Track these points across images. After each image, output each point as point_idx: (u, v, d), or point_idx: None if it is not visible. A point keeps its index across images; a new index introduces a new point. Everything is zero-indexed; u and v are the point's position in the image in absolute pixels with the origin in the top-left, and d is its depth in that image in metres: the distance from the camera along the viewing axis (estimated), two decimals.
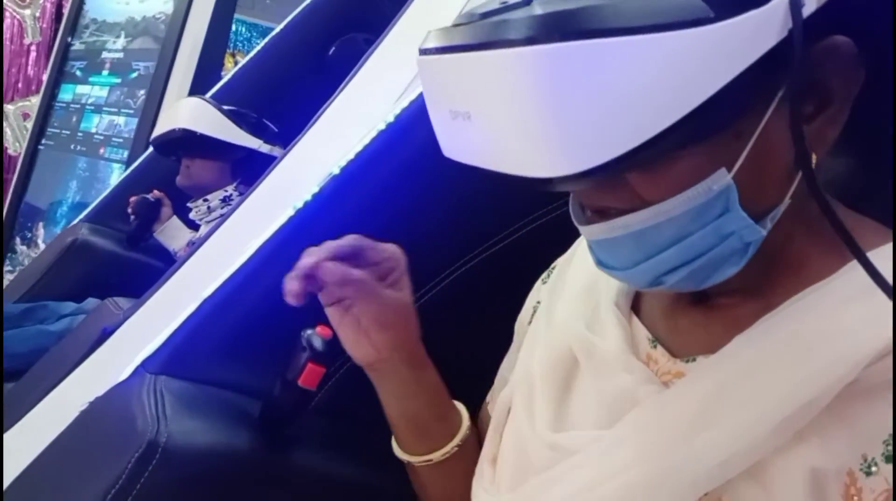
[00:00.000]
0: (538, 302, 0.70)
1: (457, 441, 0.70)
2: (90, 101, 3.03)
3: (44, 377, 0.95)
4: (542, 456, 0.56)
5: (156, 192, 1.94)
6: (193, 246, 1.03)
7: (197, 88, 2.33)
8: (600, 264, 0.51)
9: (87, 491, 0.68)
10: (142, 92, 2.69)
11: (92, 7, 3.19)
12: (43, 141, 3.16)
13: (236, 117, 1.82)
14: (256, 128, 1.86)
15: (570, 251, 0.70)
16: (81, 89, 3.11)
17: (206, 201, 1.85)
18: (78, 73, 3.16)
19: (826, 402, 0.44)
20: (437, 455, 0.69)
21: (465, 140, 0.45)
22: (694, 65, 0.38)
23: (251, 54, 2.16)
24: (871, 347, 0.43)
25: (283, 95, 2.10)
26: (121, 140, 2.78)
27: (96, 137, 2.92)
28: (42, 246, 2.84)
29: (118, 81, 2.90)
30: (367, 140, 0.92)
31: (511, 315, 0.76)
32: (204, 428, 0.72)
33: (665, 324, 0.56)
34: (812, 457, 0.44)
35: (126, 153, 2.64)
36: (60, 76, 3.19)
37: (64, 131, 3.10)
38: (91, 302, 1.67)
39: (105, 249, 1.85)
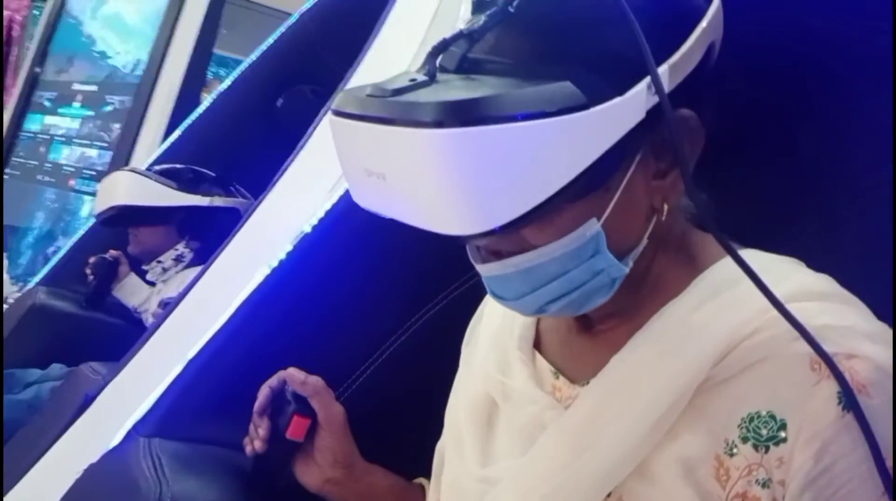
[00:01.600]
0: (469, 338, 0.77)
1: None
2: (59, 132, 2.99)
3: (31, 446, 0.97)
4: (474, 490, 0.63)
5: (112, 251, 1.95)
6: (167, 307, 1.07)
7: (176, 121, 2.34)
8: (494, 295, 0.58)
9: None
10: (117, 125, 2.68)
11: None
12: (7, 170, 3.10)
13: (171, 178, 1.87)
14: (193, 182, 1.90)
15: (479, 309, 0.77)
16: (50, 120, 3.06)
17: (159, 262, 1.89)
18: (46, 103, 3.12)
19: (686, 400, 0.52)
20: None
21: (381, 196, 0.51)
22: (573, 143, 0.46)
23: (201, 108, 2.19)
24: (715, 347, 0.51)
25: (235, 147, 2.14)
26: (93, 173, 2.76)
27: (66, 168, 2.89)
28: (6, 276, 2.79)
29: (91, 113, 2.87)
30: (334, 198, 0.97)
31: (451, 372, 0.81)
32: (202, 487, 0.75)
33: (562, 354, 0.64)
34: (683, 450, 0.51)
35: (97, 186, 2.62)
36: (27, 106, 3.14)
37: (30, 161, 3.05)
38: (56, 368, 1.67)
39: (64, 311, 1.85)
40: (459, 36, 0.51)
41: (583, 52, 0.49)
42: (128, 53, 2.86)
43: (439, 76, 0.49)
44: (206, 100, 2.21)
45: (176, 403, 0.87)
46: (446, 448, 0.71)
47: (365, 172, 0.50)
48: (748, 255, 0.53)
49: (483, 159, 0.45)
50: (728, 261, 0.52)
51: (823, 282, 0.55)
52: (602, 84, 0.47)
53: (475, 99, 0.44)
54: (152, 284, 1.94)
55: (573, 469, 0.54)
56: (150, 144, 2.38)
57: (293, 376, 0.78)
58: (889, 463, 0.46)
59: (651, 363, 0.54)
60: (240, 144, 2.14)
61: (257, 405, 0.78)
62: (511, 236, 0.52)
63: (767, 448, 0.49)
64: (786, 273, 0.55)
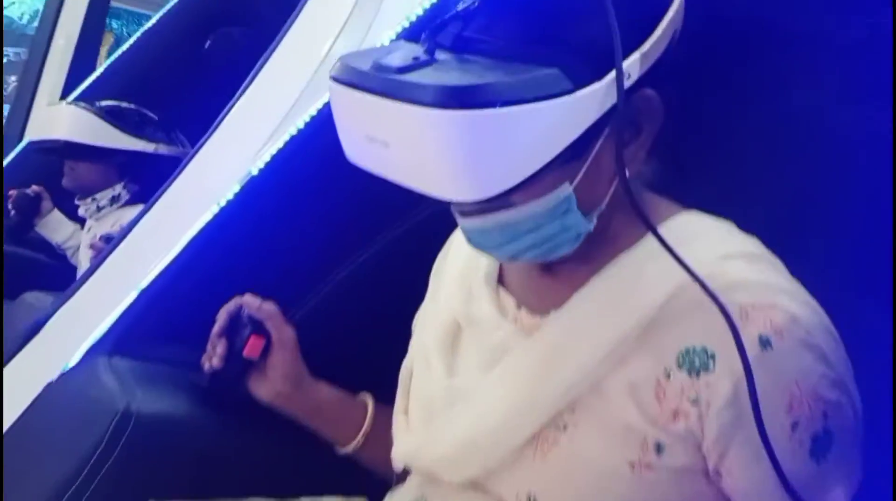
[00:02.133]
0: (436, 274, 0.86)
1: (364, 431, 0.90)
2: None
3: None
4: (441, 397, 0.73)
5: (34, 187, 1.95)
6: (116, 239, 1.11)
7: (74, 75, 2.29)
8: (472, 243, 0.66)
9: (62, 465, 0.77)
10: (13, 78, 2.59)
11: None
12: None
13: (118, 119, 1.86)
14: (139, 126, 1.90)
15: (446, 246, 0.85)
16: None
17: (94, 199, 1.89)
18: None
19: (637, 335, 0.62)
20: (354, 445, 0.90)
21: (382, 161, 0.57)
22: (559, 123, 0.54)
23: (125, 46, 2.17)
24: (663, 293, 0.62)
25: (159, 87, 2.13)
26: None
27: None
28: None
29: None
30: (280, 144, 1.04)
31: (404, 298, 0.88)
32: (165, 398, 0.83)
33: (524, 290, 0.74)
34: (631, 374, 0.62)
35: None
36: None
37: None
38: None
39: None
40: (456, 17, 0.58)
41: (567, 39, 0.56)
42: (23, 3, 2.75)
43: (437, 54, 0.57)
44: (131, 38, 2.19)
45: (132, 327, 0.93)
46: (414, 367, 0.81)
47: (366, 138, 0.57)
48: (689, 216, 0.68)
49: (480, 138, 0.52)
50: (675, 220, 0.66)
51: (752, 244, 0.66)
52: (584, 69, 0.54)
53: (476, 85, 0.52)
54: (82, 220, 1.94)
55: (537, 386, 0.65)
56: (49, 95, 2.31)
57: (250, 301, 0.87)
58: (776, 418, 0.57)
59: (609, 302, 0.65)
60: (166, 83, 2.14)
61: (217, 326, 0.86)
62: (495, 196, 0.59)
63: (699, 374, 0.60)
64: (721, 235, 0.66)
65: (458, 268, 0.79)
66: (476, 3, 0.59)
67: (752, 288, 0.60)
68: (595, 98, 0.55)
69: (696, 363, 0.60)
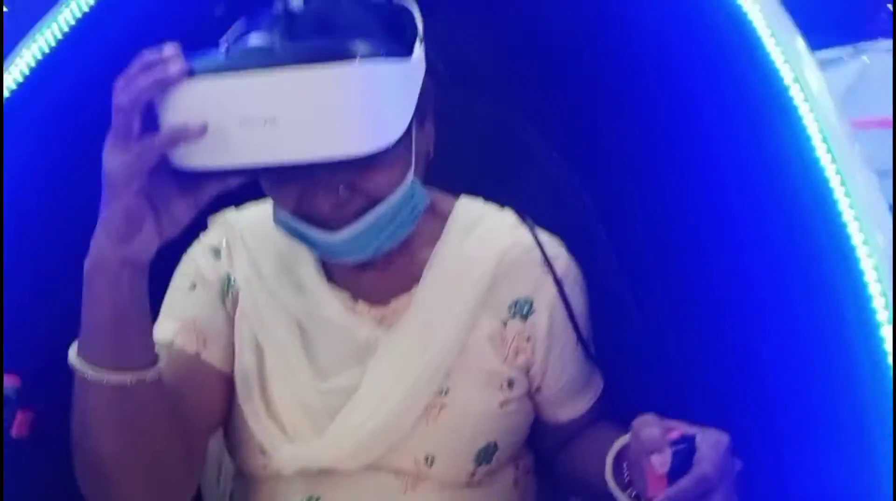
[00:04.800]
0: (230, 278, 0.79)
1: (157, 369, 0.64)
2: None
3: None
4: (319, 401, 0.74)
5: None
6: None
7: None
8: (338, 256, 0.70)
9: None
10: None
11: None
12: None
13: None
14: None
15: (233, 238, 0.80)
16: None
17: None
18: None
19: (483, 300, 0.76)
20: (136, 376, 0.61)
21: (265, 141, 0.57)
22: (412, 79, 0.64)
23: None
24: (491, 263, 0.76)
25: None
26: None
27: None
28: None
29: None
30: None
31: None
32: None
33: (354, 284, 0.77)
34: (483, 330, 0.76)
35: None
36: None
37: None
38: None
39: None
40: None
41: (372, 31, 0.64)
42: None
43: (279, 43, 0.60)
44: None
45: None
46: (269, 366, 0.76)
47: (241, 122, 0.56)
48: (463, 201, 0.81)
49: (377, 85, 0.58)
50: (460, 204, 0.81)
51: (513, 214, 0.82)
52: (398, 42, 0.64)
53: (359, 42, 0.57)
54: None
55: (418, 367, 0.73)
56: None
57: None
58: (579, 322, 0.78)
59: (451, 282, 0.75)
60: None
61: None
62: (357, 195, 0.65)
63: (526, 319, 0.77)
64: (495, 212, 0.81)
65: (275, 262, 0.78)
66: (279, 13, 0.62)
67: (545, 245, 0.78)
68: (419, 64, 0.65)
69: (523, 310, 0.77)
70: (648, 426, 0.59)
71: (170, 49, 0.57)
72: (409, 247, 0.75)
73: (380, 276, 0.75)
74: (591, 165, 0.91)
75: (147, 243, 0.59)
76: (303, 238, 0.69)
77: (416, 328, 0.74)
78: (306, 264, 0.77)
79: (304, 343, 0.76)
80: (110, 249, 0.58)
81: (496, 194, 0.83)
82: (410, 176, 0.67)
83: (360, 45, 0.57)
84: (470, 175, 0.88)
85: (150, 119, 0.57)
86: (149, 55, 0.56)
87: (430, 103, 0.71)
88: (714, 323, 0.75)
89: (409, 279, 0.76)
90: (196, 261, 0.79)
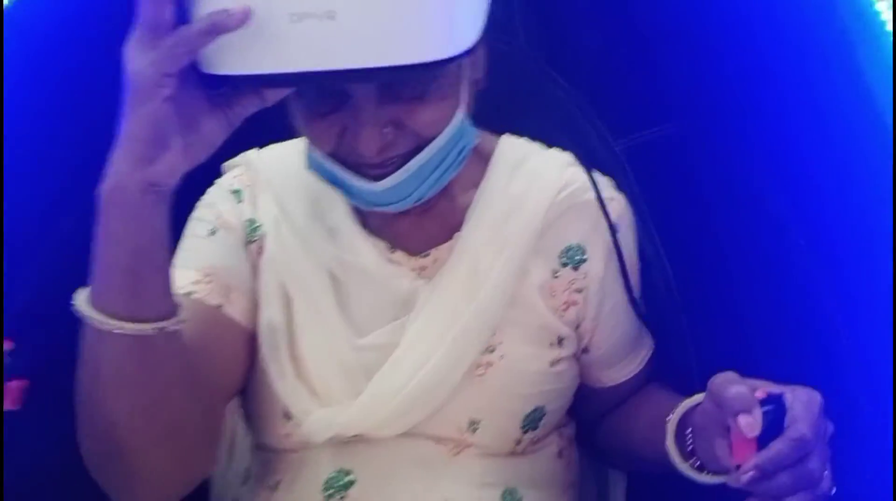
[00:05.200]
0: (253, 222, 0.70)
1: (184, 314, 0.55)
2: None
3: None
4: (355, 359, 0.66)
5: None
6: None
7: None
8: (380, 204, 0.63)
9: None
10: None
11: None
12: None
13: None
14: None
15: (256, 179, 0.72)
16: None
17: None
18: None
19: (533, 247, 0.68)
20: (157, 327, 0.52)
21: (320, 40, 0.46)
22: None
23: None
24: (541, 205, 0.69)
25: None
26: None
27: None
28: None
29: None
30: None
31: None
32: None
33: (391, 232, 0.70)
34: (533, 279, 0.69)
35: None
36: None
37: None
38: None
39: None
40: None
41: None
42: None
43: None
44: None
45: None
46: (297, 322, 0.68)
47: (293, 17, 0.46)
48: (507, 139, 0.74)
49: None
50: (503, 142, 0.73)
51: (567, 154, 0.74)
52: None
53: None
54: None
55: (462, 321, 0.66)
56: None
57: None
58: (631, 271, 0.72)
59: (498, 226, 0.68)
60: None
61: None
62: (402, 136, 0.59)
63: (578, 267, 0.70)
64: (542, 150, 0.74)
65: (304, 207, 0.71)
66: None
67: (599, 185, 0.71)
68: None
69: (575, 257, 0.70)
70: (733, 384, 0.51)
71: None
72: (450, 191, 0.68)
73: (419, 223, 0.69)
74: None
75: (174, 164, 0.48)
76: (340, 185, 0.63)
77: (459, 277, 0.67)
78: (339, 210, 0.70)
79: (337, 295, 0.68)
80: (130, 171, 0.47)
81: None
82: (461, 113, 0.61)
83: None
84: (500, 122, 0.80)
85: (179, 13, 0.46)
86: None
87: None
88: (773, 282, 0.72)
89: (450, 226, 0.69)
90: (215, 204, 0.71)
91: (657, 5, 0.82)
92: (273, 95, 0.51)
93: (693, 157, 0.82)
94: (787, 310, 0.71)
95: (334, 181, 0.63)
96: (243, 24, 0.45)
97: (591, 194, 0.70)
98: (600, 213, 0.70)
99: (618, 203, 0.72)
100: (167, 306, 0.53)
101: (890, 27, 0.65)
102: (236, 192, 0.72)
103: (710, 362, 0.70)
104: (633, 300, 0.72)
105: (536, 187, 0.69)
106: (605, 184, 0.73)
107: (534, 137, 0.75)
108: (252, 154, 0.73)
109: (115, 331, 0.51)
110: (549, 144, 0.75)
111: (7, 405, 0.64)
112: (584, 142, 0.85)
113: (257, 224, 0.70)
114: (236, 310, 0.66)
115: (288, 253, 0.69)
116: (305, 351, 0.67)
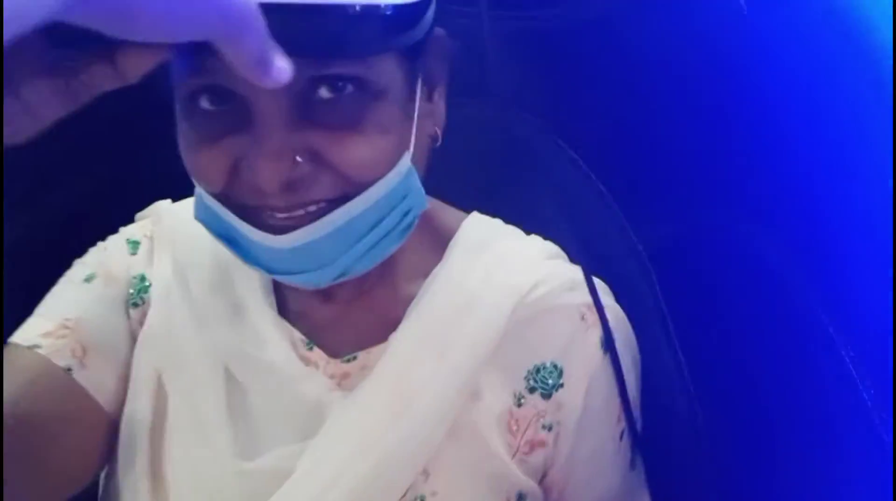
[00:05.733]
0: (143, 280, 0.57)
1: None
2: None
3: None
4: (241, 486, 0.51)
5: None
6: None
7: None
8: (282, 272, 0.47)
9: None
10: None
11: None
12: None
13: None
14: None
15: (160, 232, 0.59)
16: None
17: None
18: None
19: (488, 357, 0.51)
20: None
21: None
22: None
23: None
24: (505, 303, 0.52)
25: None
26: None
27: None
28: None
29: None
30: None
31: None
32: None
33: (310, 322, 0.54)
34: (487, 407, 0.52)
35: None
36: None
37: None
38: None
39: None
40: None
41: None
42: None
43: None
44: None
45: None
46: (172, 421, 0.53)
47: None
48: (481, 219, 0.59)
49: None
50: (470, 221, 0.58)
51: (551, 244, 0.59)
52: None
53: None
54: None
55: (382, 449, 0.49)
56: None
57: None
58: (631, 394, 0.55)
59: (444, 327, 0.52)
60: None
61: None
62: (324, 177, 0.44)
63: (551, 395, 0.53)
64: (517, 235, 0.59)
65: (209, 275, 0.56)
66: None
67: (582, 288, 0.55)
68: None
69: (548, 382, 0.53)
70: None
71: None
72: (393, 276, 0.54)
73: (348, 314, 0.54)
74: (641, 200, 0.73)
75: None
76: (231, 241, 0.48)
77: (385, 391, 0.51)
78: (250, 282, 0.55)
79: (229, 399, 0.52)
80: None
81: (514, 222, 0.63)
82: (407, 160, 0.46)
83: None
84: (482, 201, 0.68)
85: None
86: None
87: (443, 74, 0.51)
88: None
89: (388, 325, 0.53)
90: (104, 249, 0.58)
91: (705, 89, 0.69)
92: (132, 67, 0.32)
93: (732, 257, 0.69)
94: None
95: (225, 235, 0.48)
96: None
97: (575, 298, 0.54)
98: (584, 324, 0.53)
99: (611, 311, 0.56)
100: None
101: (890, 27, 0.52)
102: (133, 242, 0.58)
103: None
104: (631, 443, 0.56)
105: (500, 280, 0.53)
106: (601, 288, 0.57)
107: (530, 219, 0.62)
108: (164, 204, 0.60)
109: None
110: (549, 229, 0.62)
111: None
112: (596, 230, 0.73)
113: (147, 284, 0.56)
114: (90, 379, 0.51)
115: (173, 332, 0.54)
116: (171, 468, 0.52)
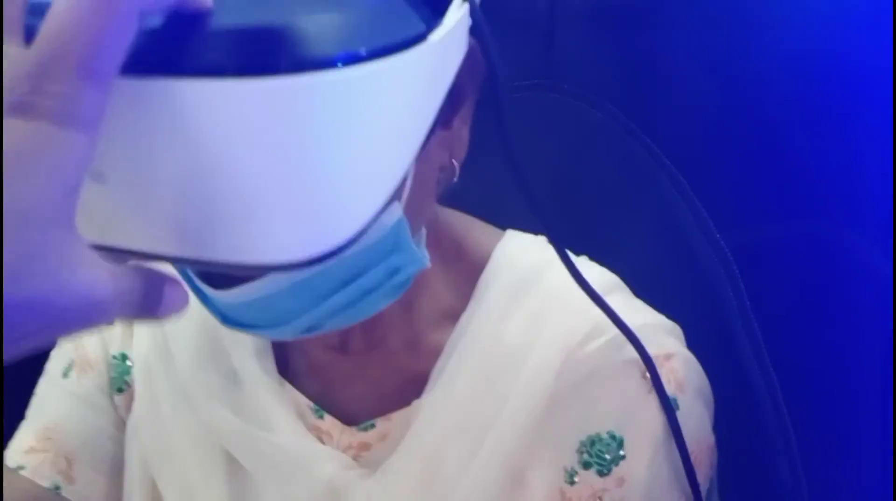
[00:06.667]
0: (125, 359, 0.52)
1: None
2: None
3: None
4: None
5: None
6: None
7: None
8: (235, 323, 0.40)
9: None
10: None
11: None
12: None
13: None
14: None
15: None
16: None
17: None
18: None
19: (533, 430, 0.44)
20: None
21: (93, 209, 0.28)
22: (419, 84, 0.31)
23: None
24: (549, 363, 0.44)
25: None
26: None
27: None
28: None
29: None
30: None
31: None
32: None
33: (318, 381, 0.48)
34: (536, 490, 0.45)
35: None
36: None
37: None
38: None
39: None
40: None
41: None
42: None
43: None
44: None
45: None
46: None
47: (91, 174, 0.27)
48: (519, 243, 0.49)
49: (319, 123, 0.26)
50: (504, 246, 0.49)
51: (607, 271, 0.51)
52: (421, 5, 0.32)
53: (275, 29, 0.25)
54: None
55: None
56: None
57: None
58: (704, 443, 0.48)
59: (483, 393, 0.45)
60: None
61: None
62: None
63: (609, 470, 0.45)
64: (578, 263, 0.45)
65: (199, 341, 0.49)
66: None
67: (647, 333, 0.46)
68: (448, 46, 0.32)
69: (605, 457, 0.45)
70: None
71: None
72: (414, 319, 0.47)
73: (363, 369, 0.48)
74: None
75: None
76: (195, 292, 0.41)
77: (413, 477, 0.44)
78: (246, 346, 0.48)
79: (231, 490, 0.47)
80: None
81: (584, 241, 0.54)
82: (396, 211, 0.37)
83: (333, 34, 0.26)
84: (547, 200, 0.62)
85: None
86: None
87: (471, 92, 0.41)
88: None
89: (410, 381, 0.47)
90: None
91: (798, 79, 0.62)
92: None
93: (830, 262, 0.61)
94: None
95: (191, 287, 0.41)
96: None
97: (634, 353, 0.45)
98: (647, 383, 0.46)
99: (680, 362, 0.47)
100: None
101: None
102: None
103: None
104: None
105: (545, 330, 0.45)
106: (661, 328, 0.48)
107: (601, 221, 0.57)
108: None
109: None
110: (623, 232, 0.56)
111: None
112: (675, 229, 0.67)
113: (129, 364, 0.51)
114: (80, 494, 0.49)
115: (160, 420, 0.48)
116: None
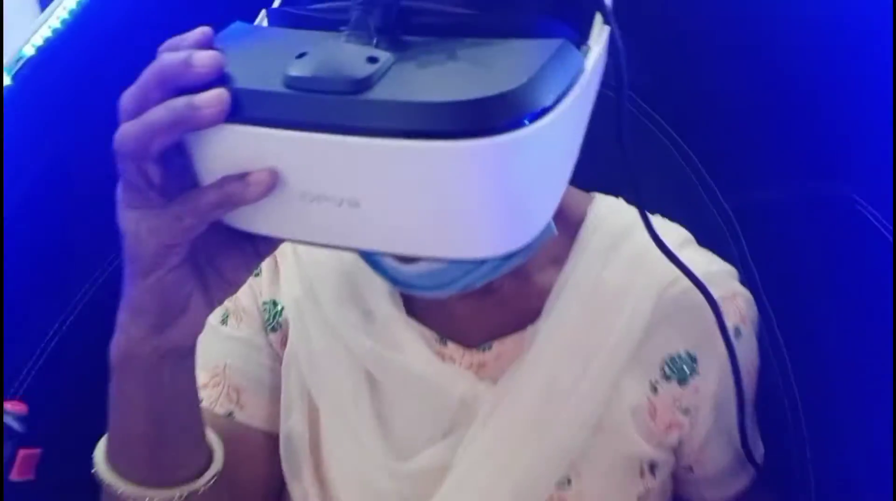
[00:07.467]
0: (275, 305, 0.60)
1: (214, 469, 0.52)
2: None
3: None
4: (399, 488, 0.55)
5: None
6: None
7: None
8: (414, 289, 0.51)
9: None
10: None
11: None
12: None
13: None
14: None
15: (280, 250, 0.58)
16: None
17: None
18: None
19: (630, 356, 0.54)
20: (187, 488, 0.49)
21: (343, 224, 0.38)
22: (584, 111, 0.41)
23: None
24: (645, 304, 0.55)
25: None
26: None
27: None
28: None
29: None
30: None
31: None
32: None
33: (441, 317, 0.56)
34: (628, 399, 0.55)
35: None
36: None
37: None
38: None
39: None
40: None
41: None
42: None
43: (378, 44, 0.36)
44: None
45: None
46: (327, 428, 0.57)
47: (302, 196, 0.37)
48: (609, 204, 0.59)
49: (524, 165, 0.35)
50: (596, 206, 0.58)
51: (680, 228, 0.61)
52: (568, 28, 0.38)
53: (505, 93, 0.32)
54: None
55: (543, 441, 0.53)
56: None
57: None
58: (748, 387, 0.58)
59: (586, 329, 0.55)
60: None
61: None
62: None
63: (686, 382, 0.56)
64: (658, 224, 0.52)
65: (338, 286, 0.58)
66: None
67: (716, 278, 0.57)
68: (597, 66, 0.39)
69: (684, 370, 0.57)
70: None
71: (204, 59, 0.35)
72: (525, 265, 0.54)
73: (479, 306, 0.56)
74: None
75: (193, 324, 0.42)
76: (368, 260, 0.53)
77: (535, 385, 0.54)
78: (377, 289, 0.57)
79: (374, 403, 0.56)
80: (143, 338, 0.41)
81: None
82: None
83: (530, 92, 0.33)
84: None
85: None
86: (168, 61, 0.35)
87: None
88: None
89: (520, 313, 0.56)
90: None
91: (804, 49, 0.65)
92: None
93: (826, 224, 0.65)
94: None
95: (368, 258, 0.52)
96: (262, 197, 0.36)
97: (714, 289, 0.53)
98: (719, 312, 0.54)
99: (742, 300, 0.58)
100: (197, 463, 0.49)
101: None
102: (273, 262, 0.61)
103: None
104: (742, 427, 0.57)
105: (642, 280, 0.55)
106: (726, 274, 0.59)
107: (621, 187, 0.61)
108: None
109: (138, 499, 0.47)
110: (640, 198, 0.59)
111: (20, 475, 0.60)
112: (688, 198, 0.70)
113: (279, 307, 0.60)
114: (251, 415, 0.58)
115: (313, 349, 0.57)
116: (333, 474, 0.57)
